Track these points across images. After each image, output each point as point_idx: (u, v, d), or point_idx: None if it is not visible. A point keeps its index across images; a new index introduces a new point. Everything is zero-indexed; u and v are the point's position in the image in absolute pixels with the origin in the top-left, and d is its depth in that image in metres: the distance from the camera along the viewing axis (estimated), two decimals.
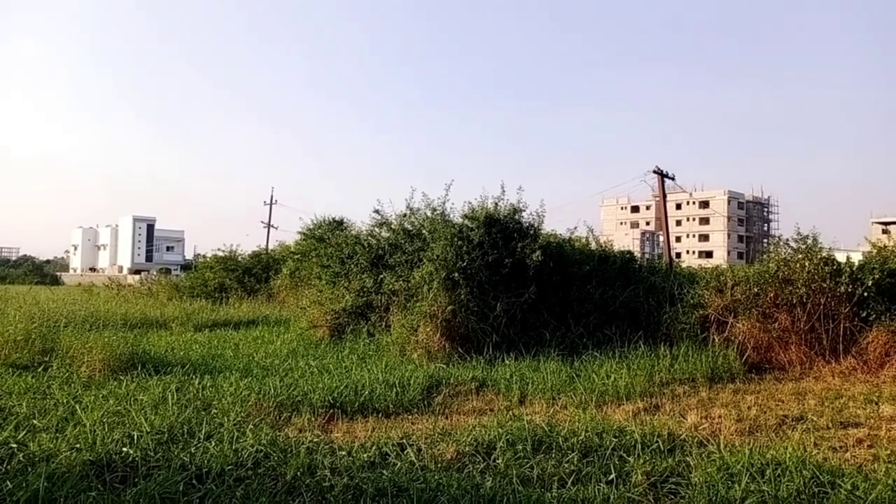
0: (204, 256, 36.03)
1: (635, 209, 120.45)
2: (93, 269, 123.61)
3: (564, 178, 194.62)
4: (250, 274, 29.96)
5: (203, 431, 6.67)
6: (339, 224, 25.98)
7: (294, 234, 33.53)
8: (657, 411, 8.34)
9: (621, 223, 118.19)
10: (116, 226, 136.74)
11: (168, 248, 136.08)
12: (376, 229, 15.92)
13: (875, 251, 13.56)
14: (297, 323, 16.94)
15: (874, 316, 11.95)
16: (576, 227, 16.09)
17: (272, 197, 57.69)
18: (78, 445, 6.08)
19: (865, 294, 12.10)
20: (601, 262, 15.13)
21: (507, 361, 11.44)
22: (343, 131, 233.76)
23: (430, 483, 5.22)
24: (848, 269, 12.53)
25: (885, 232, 69.62)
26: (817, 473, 5.26)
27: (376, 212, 15.78)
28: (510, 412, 8.10)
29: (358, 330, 14.63)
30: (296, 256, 25.56)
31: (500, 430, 6.73)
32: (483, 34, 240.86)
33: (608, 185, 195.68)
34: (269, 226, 56.43)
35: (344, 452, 6.19)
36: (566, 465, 5.69)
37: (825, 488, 5.00)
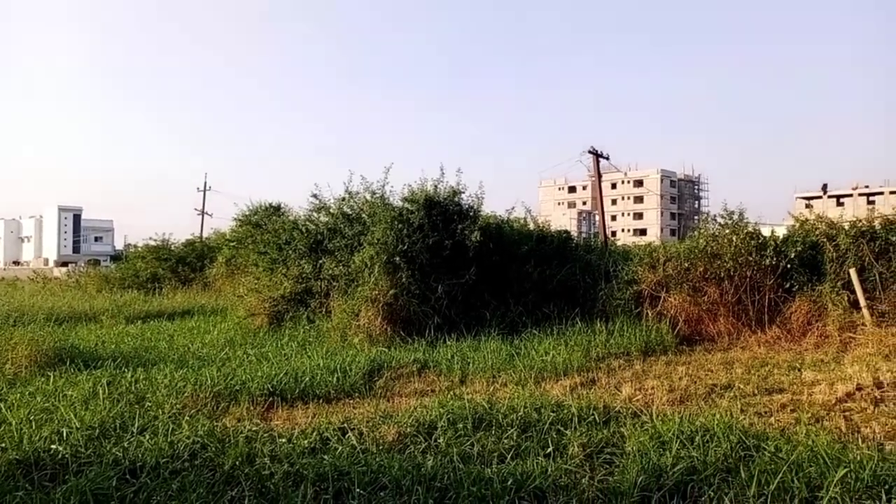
0: (135, 246, 34.75)
1: (572, 189, 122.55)
2: (16, 263, 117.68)
3: (505, 158, 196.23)
4: (184, 263, 29.18)
5: (136, 425, 6.50)
6: (276, 210, 25.47)
7: (230, 222, 32.74)
8: (594, 385, 8.57)
9: (559, 203, 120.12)
10: (41, 216, 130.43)
11: (96, 239, 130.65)
12: (314, 214, 15.69)
13: (798, 225, 14.17)
14: (234, 312, 16.59)
15: (797, 287, 12.57)
16: (514, 208, 16.29)
17: (206, 183, 56.14)
18: (3, 445, 5.84)
19: (788, 266, 12.69)
20: (539, 242, 15.37)
21: (448, 342, 11.54)
22: (276, 117, 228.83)
23: (372, 465, 5.23)
24: (772, 243, 13.09)
25: (808, 206, 73.05)
26: (743, 438, 5.51)
27: (314, 196, 15.56)
28: (451, 392, 8.18)
29: (297, 317, 14.45)
30: (231, 244, 24.95)
31: (441, 409, 6.80)
32: (419, 11, 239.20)
33: (547, 165, 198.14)
34: (203, 213, 54.96)
35: (284, 440, 6.14)
36: (506, 441, 5.80)
37: (751, 452, 5.24)
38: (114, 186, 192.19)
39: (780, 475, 4.51)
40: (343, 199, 15.03)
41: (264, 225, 18.70)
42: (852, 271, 11.95)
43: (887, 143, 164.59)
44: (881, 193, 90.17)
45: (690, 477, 4.74)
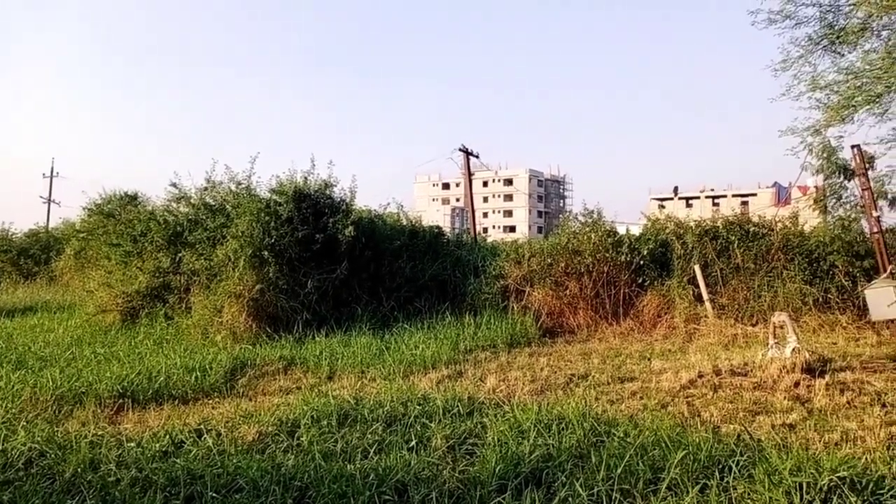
0: None
1: (446, 186, 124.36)
2: None
3: (381, 153, 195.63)
4: (27, 255, 26.73)
5: None
6: (132, 199, 23.76)
7: (79, 211, 30.17)
8: (461, 377, 8.72)
9: (433, 199, 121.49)
10: None
11: None
12: (174, 204, 14.79)
13: (650, 224, 15.22)
14: (83, 308, 15.34)
15: (648, 282, 13.49)
16: (388, 203, 16.26)
17: (52, 169, 51.47)
18: None
19: (641, 262, 13.62)
20: (412, 237, 15.47)
21: (317, 338, 11.33)
22: (144, 98, 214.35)
23: (228, 467, 5.01)
24: (627, 240, 13.98)
25: (661, 207, 78.72)
26: (596, 424, 5.81)
27: (174, 185, 14.65)
28: (317, 389, 8.02)
29: (154, 313, 13.61)
30: (81, 235, 23.04)
31: (305, 407, 6.64)
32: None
33: (423, 160, 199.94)
34: (49, 201, 50.34)
35: (133, 444, 5.78)
36: (370, 437, 5.76)
37: (602, 437, 5.53)
38: None
39: (627, 459, 4.79)
40: (205, 188, 14.29)
41: (118, 215, 17.38)
42: (696, 268, 12.97)
43: (732, 150, 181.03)
44: (725, 196, 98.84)
45: (546, 464, 4.92)
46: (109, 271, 15.16)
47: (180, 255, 13.51)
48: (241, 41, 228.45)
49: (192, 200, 14.45)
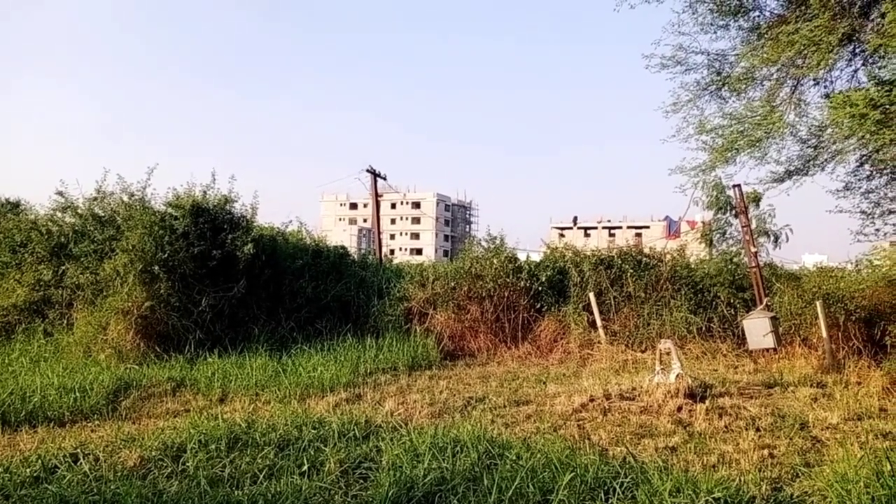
0: None
1: (353, 206, 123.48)
2: None
3: (288, 171, 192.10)
4: None
5: None
6: (14, 206, 22.08)
7: None
8: (359, 400, 8.62)
9: (340, 219, 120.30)
10: None
11: None
12: (59, 214, 13.89)
13: (549, 251, 15.77)
14: None
15: (546, 307, 13.92)
16: (291, 221, 15.96)
17: None
18: None
19: (540, 288, 14.05)
20: (315, 257, 15.25)
21: (210, 359, 10.91)
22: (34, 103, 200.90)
23: (105, 494, 4.72)
24: (527, 267, 14.41)
25: (561, 236, 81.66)
26: (490, 447, 5.87)
27: (59, 194, 13.77)
28: (207, 412, 7.69)
29: (32, 329, 12.73)
30: None
31: (192, 430, 6.34)
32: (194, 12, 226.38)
33: (330, 179, 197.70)
34: None
35: (0, 469, 5.33)
36: (260, 461, 5.57)
37: (495, 460, 5.60)
38: None
39: (518, 481, 4.88)
40: (94, 198, 13.52)
41: None
42: (591, 295, 13.50)
43: (628, 183, 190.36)
44: (620, 228, 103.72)
45: (439, 487, 4.93)
46: None
47: (64, 267, 12.69)
48: (138, 42, 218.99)
49: (79, 211, 13.62)
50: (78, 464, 5.56)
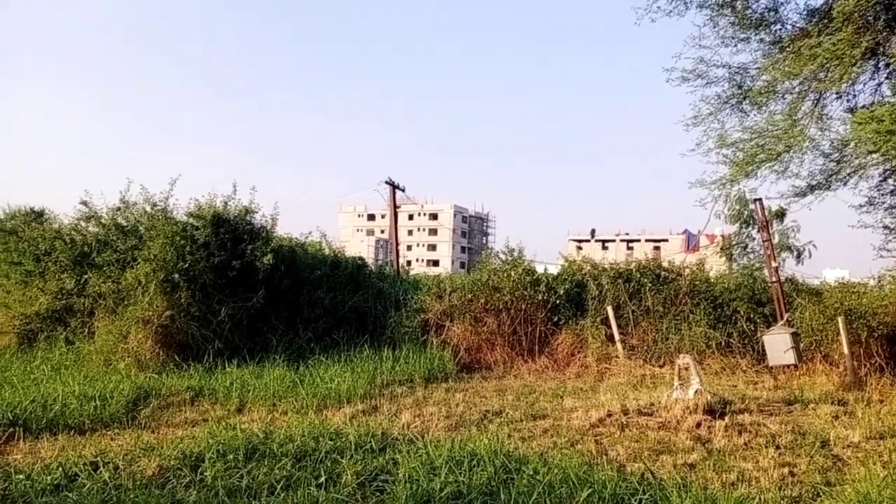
0: None
1: (371, 217, 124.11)
2: None
3: (310, 182, 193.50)
4: None
5: None
6: (38, 215, 22.44)
7: None
8: (375, 412, 8.63)
9: (358, 230, 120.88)
10: None
11: None
12: (82, 223, 14.10)
13: (567, 264, 15.70)
14: None
15: (563, 321, 13.84)
16: (311, 232, 16.06)
17: None
18: None
19: (558, 301, 13.97)
20: (333, 268, 15.31)
21: (228, 369, 10.97)
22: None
23: (124, 502, 4.76)
24: (545, 279, 14.35)
25: (578, 249, 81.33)
26: (507, 461, 5.86)
27: (83, 203, 13.98)
28: (225, 421, 7.74)
29: (54, 337, 12.89)
30: None
31: (210, 440, 6.40)
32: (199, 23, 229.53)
33: (349, 190, 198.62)
34: None
35: (22, 476, 5.44)
36: (278, 472, 5.59)
37: (512, 474, 5.58)
38: None
39: (535, 496, 4.85)
40: (118, 208, 13.71)
41: (21, 232, 16.42)
42: (609, 309, 13.42)
43: (648, 196, 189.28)
44: (639, 241, 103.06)
45: (456, 501, 4.92)
46: (8, 291, 14.25)
47: (86, 276, 12.86)
48: (162, 60, 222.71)
49: (102, 220, 13.81)
50: (98, 472, 5.62)
